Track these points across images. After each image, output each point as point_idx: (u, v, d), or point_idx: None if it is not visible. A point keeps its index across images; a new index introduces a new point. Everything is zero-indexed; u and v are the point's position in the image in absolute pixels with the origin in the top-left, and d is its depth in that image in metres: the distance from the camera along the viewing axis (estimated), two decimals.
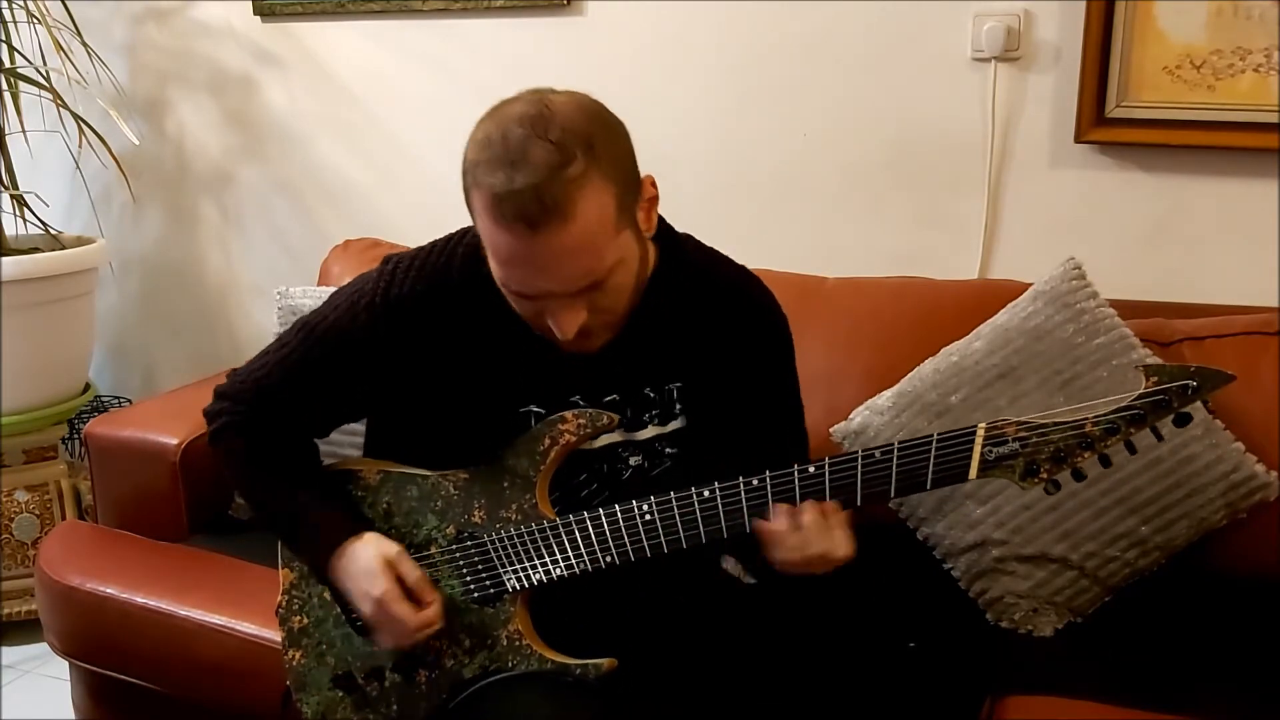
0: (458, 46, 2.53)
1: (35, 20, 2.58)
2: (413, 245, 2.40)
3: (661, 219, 1.39)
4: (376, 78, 2.63)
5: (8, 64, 2.61)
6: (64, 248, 2.64)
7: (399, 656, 1.40)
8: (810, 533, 1.23)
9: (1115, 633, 1.70)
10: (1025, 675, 1.59)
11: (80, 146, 2.63)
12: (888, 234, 2.27)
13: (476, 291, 1.29)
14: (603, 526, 1.29)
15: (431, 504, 1.39)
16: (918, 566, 1.82)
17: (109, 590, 1.93)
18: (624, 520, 1.28)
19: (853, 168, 2.27)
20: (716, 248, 1.47)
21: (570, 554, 1.31)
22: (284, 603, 1.48)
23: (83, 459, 2.55)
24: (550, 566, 1.32)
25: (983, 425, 1.17)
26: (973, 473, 1.17)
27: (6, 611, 2.58)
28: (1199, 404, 1.16)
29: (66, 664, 2.11)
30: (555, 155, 1.14)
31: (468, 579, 1.37)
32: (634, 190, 1.24)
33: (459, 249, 1.34)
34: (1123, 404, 1.15)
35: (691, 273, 1.39)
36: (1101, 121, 2.04)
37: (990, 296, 1.89)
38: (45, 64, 2.62)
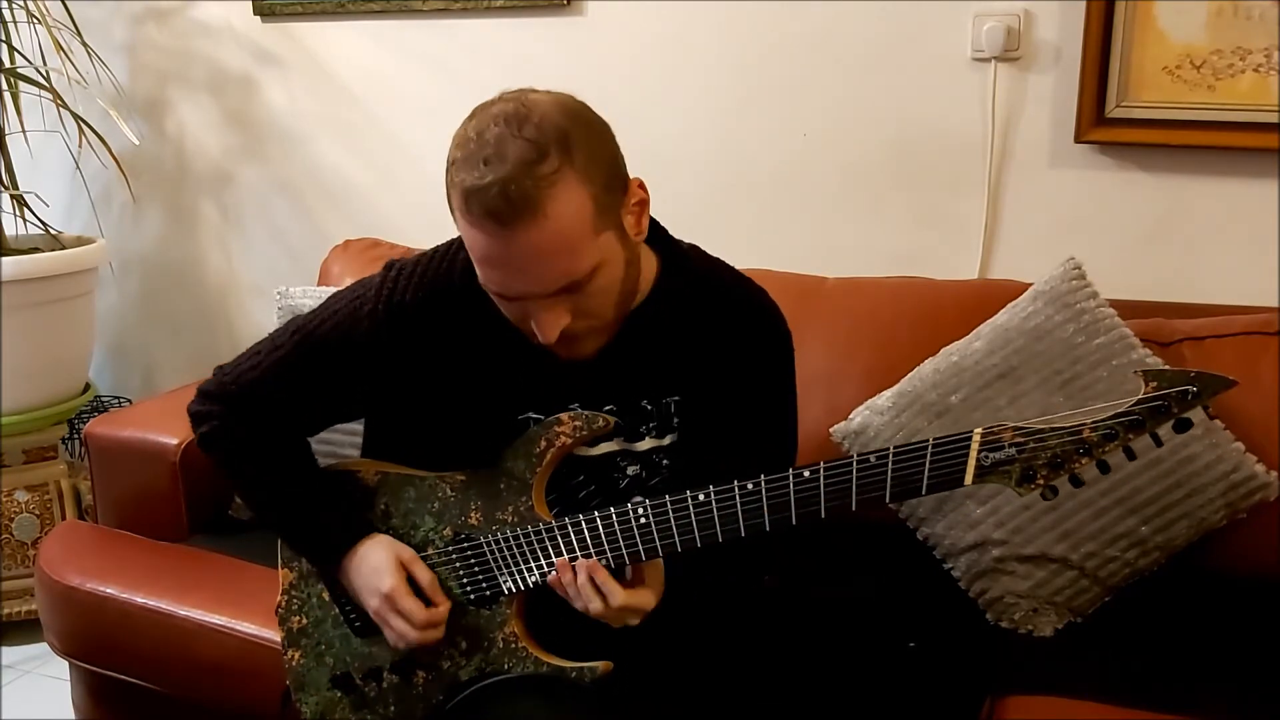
0: (458, 46, 2.53)
1: (35, 20, 2.58)
2: (413, 245, 2.41)
3: (664, 229, 1.39)
4: (376, 78, 2.63)
5: (8, 64, 2.61)
6: (64, 248, 2.64)
7: (397, 658, 1.40)
8: (585, 591, 1.26)
9: (1115, 633, 1.70)
10: (1025, 675, 1.59)
11: (80, 146, 2.63)
12: (887, 234, 2.27)
13: (477, 298, 1.28)
14: (598, 529, 1.29)
15: (429, 505, 1.39)
16: (918, 566, 1.82)
17: (109, 590, 1.93)
18: (619, 523, 1.28)
19: (853, 168, 2.27)
20: (717, 248, 1.46)
21: (566, 556, 1.31)
22: (283, 603, 1.48)
23: (83, 459, 2.55)
24: (546, 569, 1.32)
25: (979, 430, 1.16)
26: (968, 478, 1.17)
27: (6, 611, 2.58)
28: (1199, 408, 1.15)
29: (66, 664, 2.12)
30: (528, 151, 1.14)
31: (464, 581, 1.37)
32: (617, 192, 1.23)
33: (460, 255, 1.34)
34: (1121, 409, 1.14)
35: (695, 284, 1.38)
36: (1101, 121, 2.04)
37: (990, 296, 1.89)
38: (45, 64, 2.62)
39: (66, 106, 2.60)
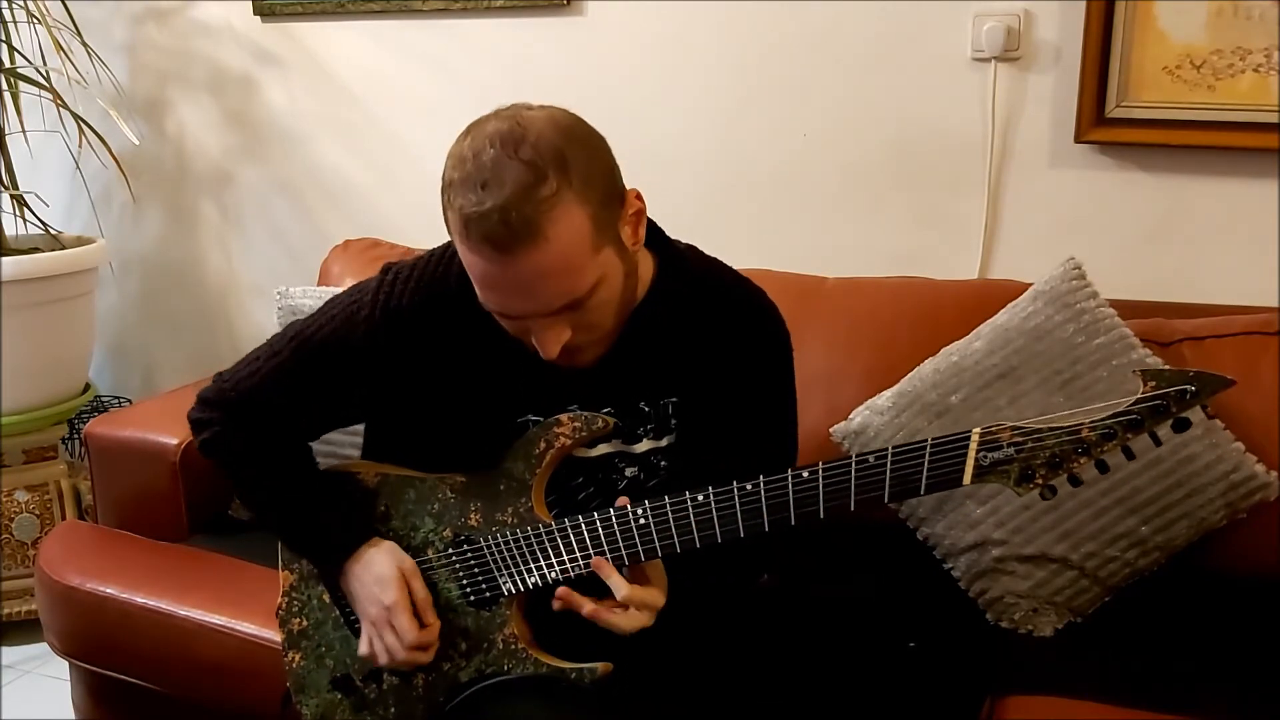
0: (458, 46, 2.53)
1: (35, 20, 2.58)
2: (413, 245, 2.41)
3: (661, 231, 1.39)
4: (376, 78, 2.63)
5: (8, 64, 2.61)
6: (64, 248, 2.64)
7: None
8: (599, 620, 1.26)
9: (1115, 633, 1.70)
10: (1025, 675, 1.59)
11: (80, 146, 2.63)
12: (887, 234, 2.27)
13: (473, 302, 1.28)
14: (597, 530, 1.29)
15: (429, 507, 1.39)
16: (918, 566, 1.82)
17: (109, 590, 1.93)
18: (619, 524, 1.28)
19: (853, 168, 2.27)
20: (717, 248, 1.46)
21: (565, 557, 1.31)
22: (284, 605, 1.48)
23: (83, 459, 2.55)
24: (546, 570, 1.32)
25: (977, 430, 1.16)
26: (967, 478, 1.17)
27: (6, 611, 2.58)
28: (1197, 408, 1.15)
29: (66, 664, 2.12)
30: (526, 175, 1.14)
31: (464, 582, 1.37)
32: (614, 206, 1.23)
33: (456, 258, 1.34)
34: (1119, 409, 1.14)
35: (692, 285, 1.38)
36: (1101, 121, 2.04)
37: (990, 296, 1.89)
38: (45, 64, 2.62)
39: (66, 106, 2.60)
